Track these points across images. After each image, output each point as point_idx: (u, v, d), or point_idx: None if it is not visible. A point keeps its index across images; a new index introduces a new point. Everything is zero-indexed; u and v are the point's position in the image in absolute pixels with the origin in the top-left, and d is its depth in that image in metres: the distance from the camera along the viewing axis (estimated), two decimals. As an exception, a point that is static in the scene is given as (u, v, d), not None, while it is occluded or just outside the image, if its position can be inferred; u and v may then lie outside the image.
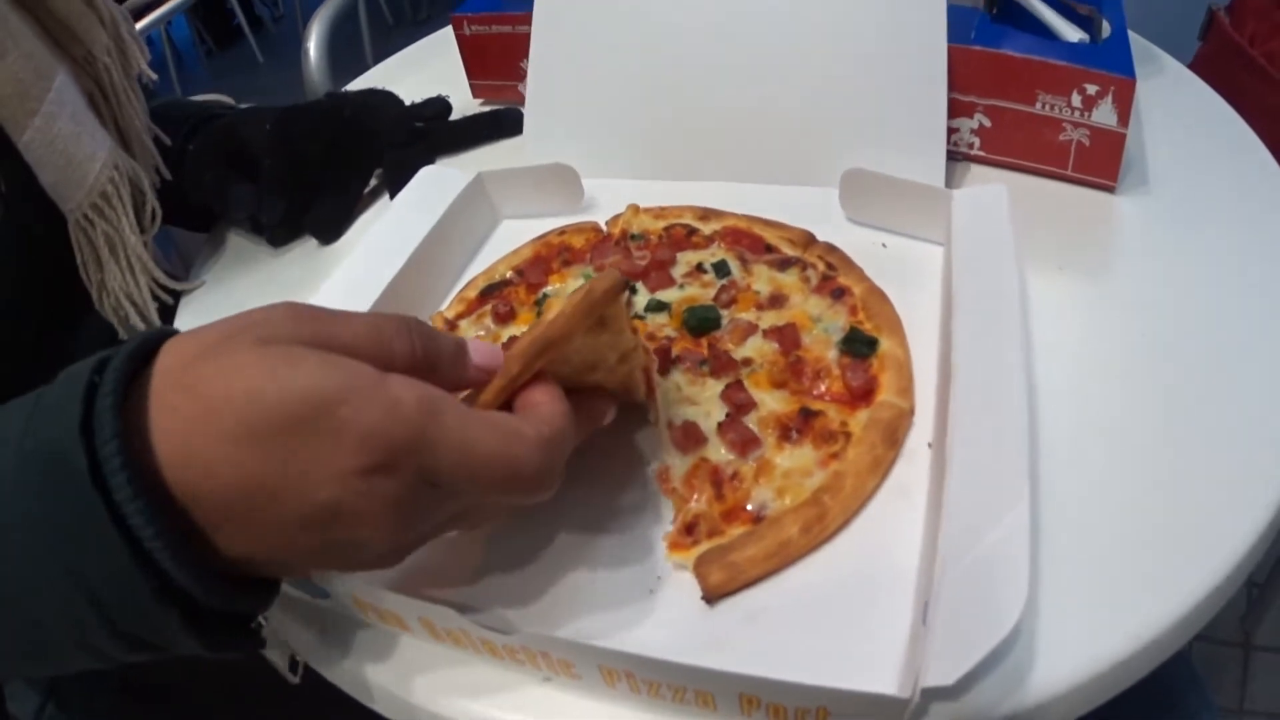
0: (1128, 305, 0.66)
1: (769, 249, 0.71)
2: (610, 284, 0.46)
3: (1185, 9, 1.34)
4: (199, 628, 0.41)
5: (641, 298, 0.68)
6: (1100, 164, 0.75)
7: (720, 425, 0.57)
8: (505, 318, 0.69)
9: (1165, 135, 0.81)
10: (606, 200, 0.82)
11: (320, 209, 0.87)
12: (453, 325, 0.70)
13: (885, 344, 0.62)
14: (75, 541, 0.38)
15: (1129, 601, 0.49)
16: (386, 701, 0.53)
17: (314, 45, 1.30)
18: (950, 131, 0.79)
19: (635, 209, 0.77)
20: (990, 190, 0.69)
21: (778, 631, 0.49)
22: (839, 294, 0.65)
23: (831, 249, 0.70)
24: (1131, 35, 0.78)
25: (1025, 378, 0.55)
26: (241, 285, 0.85)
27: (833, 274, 0.67)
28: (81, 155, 0.70)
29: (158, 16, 2.02)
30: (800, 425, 0.57)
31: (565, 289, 0.70)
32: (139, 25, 1.90)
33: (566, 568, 0.54)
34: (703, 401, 0.59)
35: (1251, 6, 1.26)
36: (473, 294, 0.73)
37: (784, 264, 0.69)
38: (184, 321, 0.82)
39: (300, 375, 0.39)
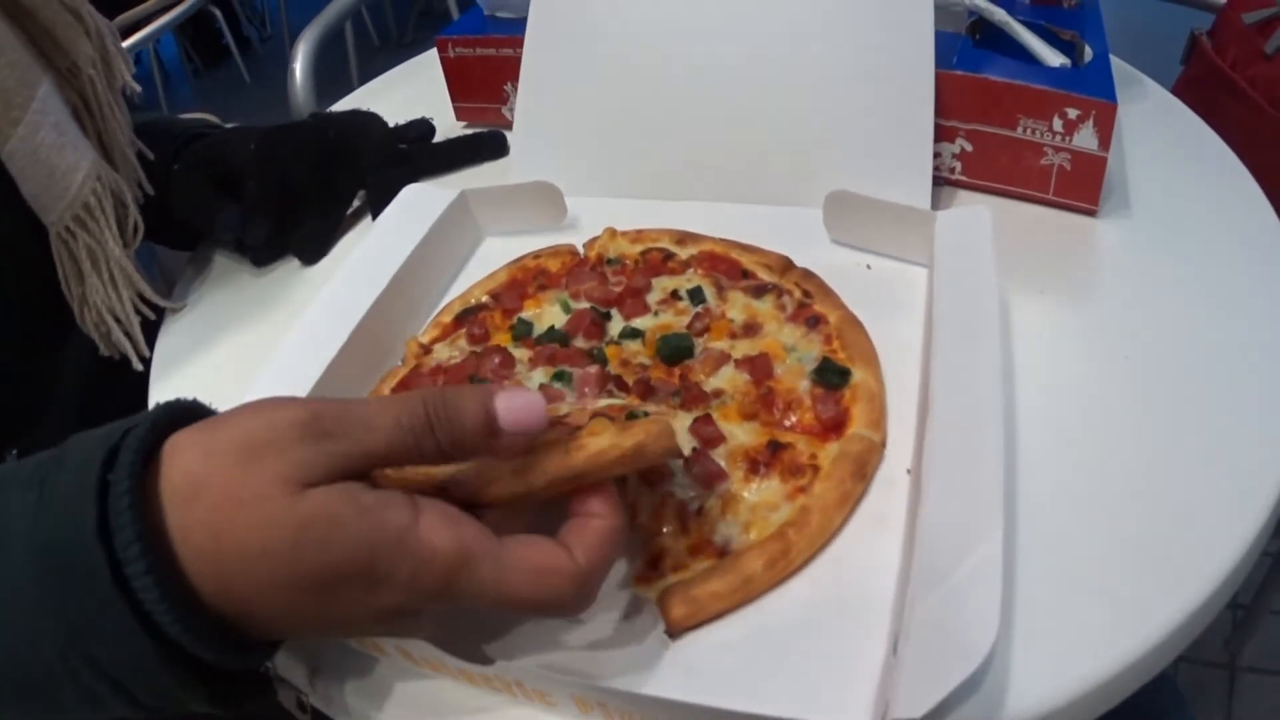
0: (1109, 328, 0.66)
1: (745, 274, 0.70)
2: (664, 448, 0.45)
3: (1168, 34, 1.35)
4: (219, 693, 0.41)
5: (616, 325, 0.68)
6: (1081, 188, 0.75)
7: (686, 460, 0.56)
8: (480, 339, 0.68)
9: (1147, 159, 0.82)
10: (589, 219, 0.82)
11: (304, 229, 0.87)
12: (427, 350, 0.69)
13: (858, 375, 0.61)
14: (97, 634, 0.38)
15: (1110, 624, 0.48)
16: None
17: (299, 66, 1.30)
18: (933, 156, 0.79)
19: (612, 232, 0.77)
20: (973, 211, 0.69)
21: (750, 662, 0.49)
22: (814, 322, 0.65)
23: (808, 275, 0.70)
24: (1114, 60, 0.79)
25: (1002, 406, 0.54)
26: (226, 305, 0.84)
27: (809, 301, 0.67)
28: (64, 166, 0.70)
29: (146, 34, 2.02)
30: (768, 459, 0.56)
31: (542, 314, 0.69)
32: (127, 43, 1.90)
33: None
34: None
35: (1234, 31, 1.27)
36: (448, 319, 0.72)
37: (760, 290, 0.68)
38: (168, 343, 0.81)
39: (337, 538, 0.39)
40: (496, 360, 0.64)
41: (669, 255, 0.73)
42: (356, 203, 0.91)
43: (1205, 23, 1.33)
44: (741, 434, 0.58)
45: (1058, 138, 0.74)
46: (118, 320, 0.76)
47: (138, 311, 0.77)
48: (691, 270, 0.71)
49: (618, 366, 0.63)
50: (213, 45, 4.41)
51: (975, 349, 0.58)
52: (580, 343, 0.66)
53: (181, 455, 0.40)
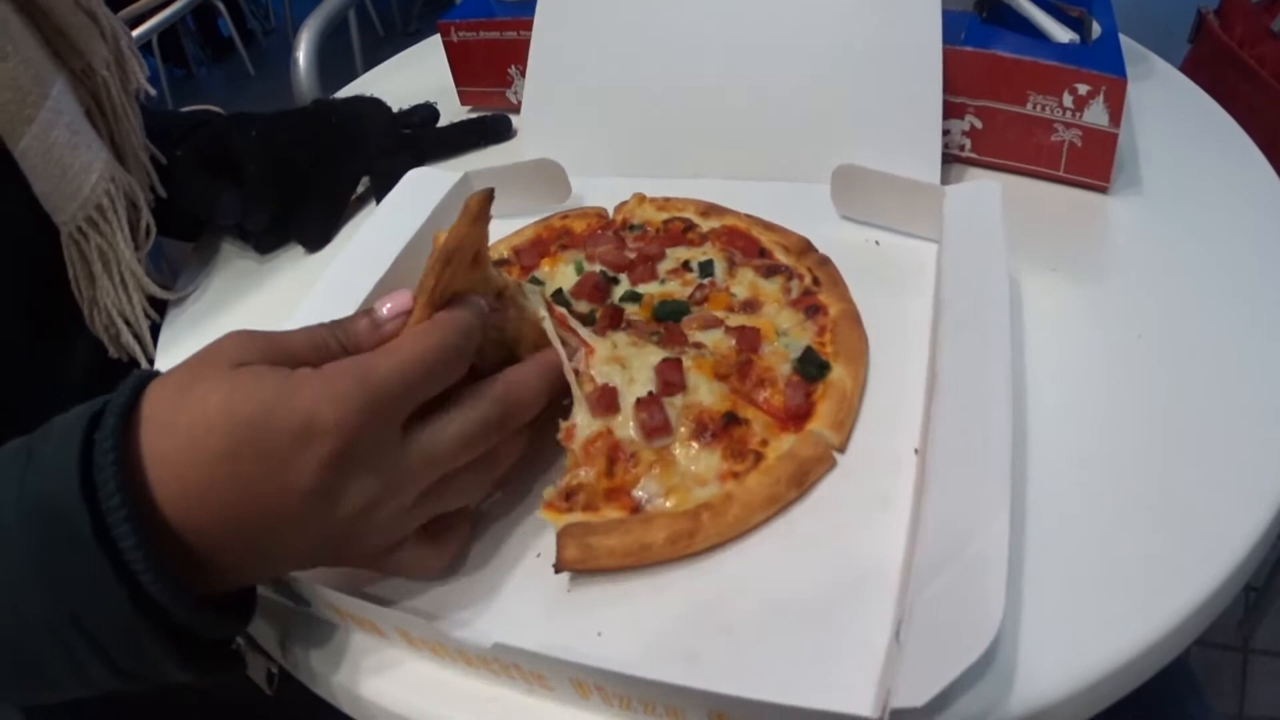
0: (1121, 306, 0.66)
1: (762, 253, 0.70)
2: (483, 194, 0.51)
3: (1174, 12, 1.35)
4: (193, 659, 0.44)
5: (621, 288, 0.67)
6: (1092, 164, 0.74)
7: (639, 400, 0.55)
8: None
9: (1157, 136, 0.81)
10: (593, 198, 0.81)
11: (307, 216, 0.86)
12: None
13: (837, 372, 0.60)
14: (78, 591, 0.41)
15: (1124, 610, 0.48)
16: (354, 703, 0.52)
17: (303, 55, 1.29)
18: (942, 133, 0.78)
19: (640, 198, 0.77)
20: (983, 185, 0.68)
21: (753, 646, 0.48)
22: (813, 311, 0.64)
23: (824, 262, 0.69)
24: (1121, 38, 0.78)
25: (1010, 387, 0.54)
26: (229, 293, 0.84)
27: (815, 290, 0.66)
28: (78, 166, 0.70)
29: (150, 27, 2.02)
30: (718, 428, 0.55)
31: (555, 274, 0.69)
32: (134, 33, 1.90)
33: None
34: (634, 367, 0.57)
35: (1240, 9, 1.26)
36: None
37: (770, 270, 0.67)
38: (172, 332, 0.81)
39: (264, 385, 0.44)
40: None
41: (690, 226, 0.73)
42: (360, 189, 0.90)
43: (1212, 1, 1.32)
44: (706, 391, 0.57)
45: (1068, 114, 0.73)
46: (127, 323, 0.76)
47: (147, 315, 0.77)
48: (709, 244, 0.71)
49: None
50: (217, 38, 4.41)
51: (984, 327, 0.58)
52: (581, 307, 0.65)
53: (153, 390, 0.44)
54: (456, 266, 0.50)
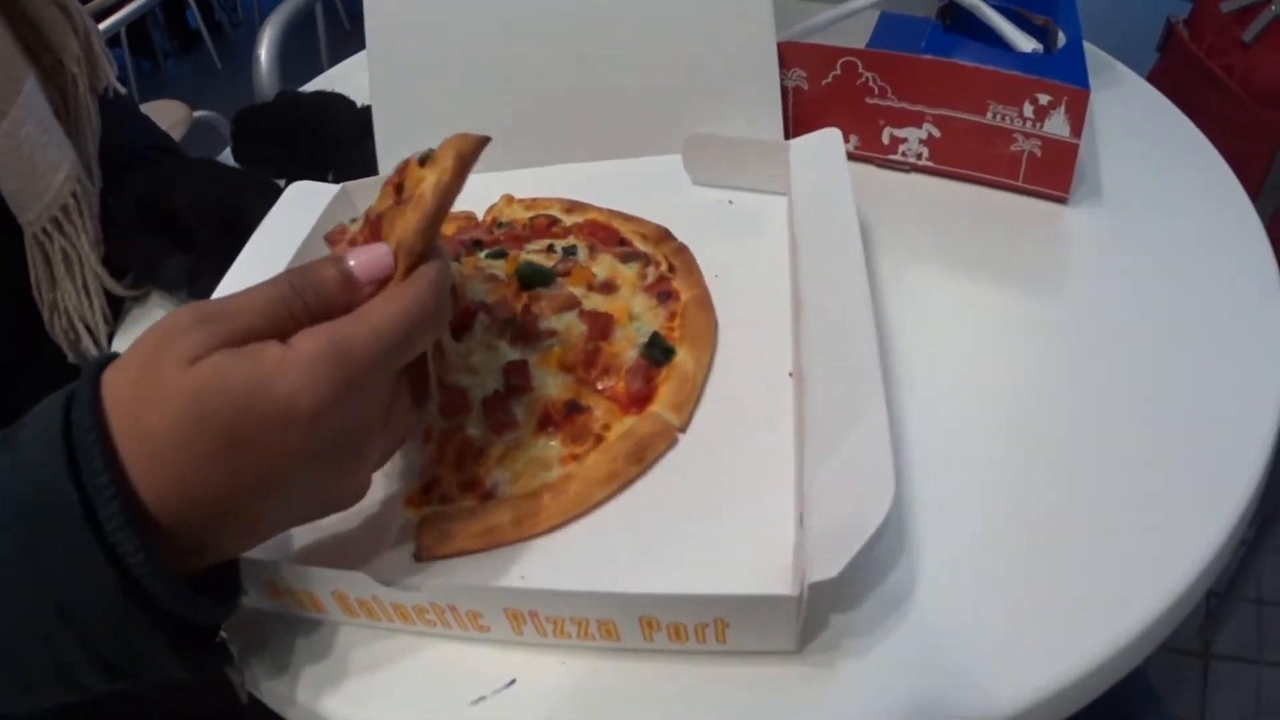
0: (1080, 318, 0.65)
1: (622, 242, 0.72)
2: (476, 144, 0.49)
3: (1143, 21, 1.35)
4: (180, 648, 0.44)
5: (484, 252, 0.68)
6: (1052, 175, 0.74)
7: (486, 401, 0.58)
8: None
9: (1120, 147, 0.81)
10: (460, 201, 0.79)
11: None
12: None
13: (681, 356, 0.62)
14: (64, 577, 0.40)
15: (1084, 620, 0.48)
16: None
17: (265, 50, 1.28)
18: (898, 141, 0.78)
19: (509, 199, 0.78)
20: (823, 135, 0.73)
21: (667, 558, 0.52)
22: (665, 297, 0.66)
23: (681, 250, 0.71)
24: (1088, 47, 0.78)
25: (868, 297, 0.58)
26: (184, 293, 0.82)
27: (669, 276, 0.68)
28: (46, 165, 0.69)
29: (118, 19, 2.00)
30: (561, 418, 0.58)
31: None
32: (103, 25, 1.89)
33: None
34: (484, 372, 0.59)
35: (1211, 19, 1.27)
36: None
37: (629, 257, 0.69)
38: (125, 328, 0.80)
39: (230, 380, 0.41)
40: None
41: (555, 221, 0.75)
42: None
43: (1182, 10, 1.33)
44: (551, 385, 0.59)
45: (1028, 124, 0.72)
46: (88, 329, 0.75)
47: (106, 321, 0.76)
48: (572, 236, 0.72)
49: (469, 270, 0.64)
50: (184, 30, 4.37)
51: (839, 253, 0.62)
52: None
53: (110, 380, 0.42)
54: (442, 220, 0.48)
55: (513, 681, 0.49)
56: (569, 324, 0.62)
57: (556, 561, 0.52)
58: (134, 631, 0.42)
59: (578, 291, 0.64)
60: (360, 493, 0.50)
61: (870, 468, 0.48)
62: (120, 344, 0.78)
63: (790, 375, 0.60)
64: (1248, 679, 1.52)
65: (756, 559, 0.50)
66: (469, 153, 0.49)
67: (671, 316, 0.64)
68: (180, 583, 0.42)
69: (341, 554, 0.54)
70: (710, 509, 0.54)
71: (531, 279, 0.64)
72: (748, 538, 0.52)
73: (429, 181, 0.48)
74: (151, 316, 0.80)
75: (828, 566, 0.44)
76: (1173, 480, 0.54)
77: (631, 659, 0.49)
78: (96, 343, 0.75)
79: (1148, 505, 0.53)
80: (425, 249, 0.48)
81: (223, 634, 0.49)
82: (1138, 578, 0.49)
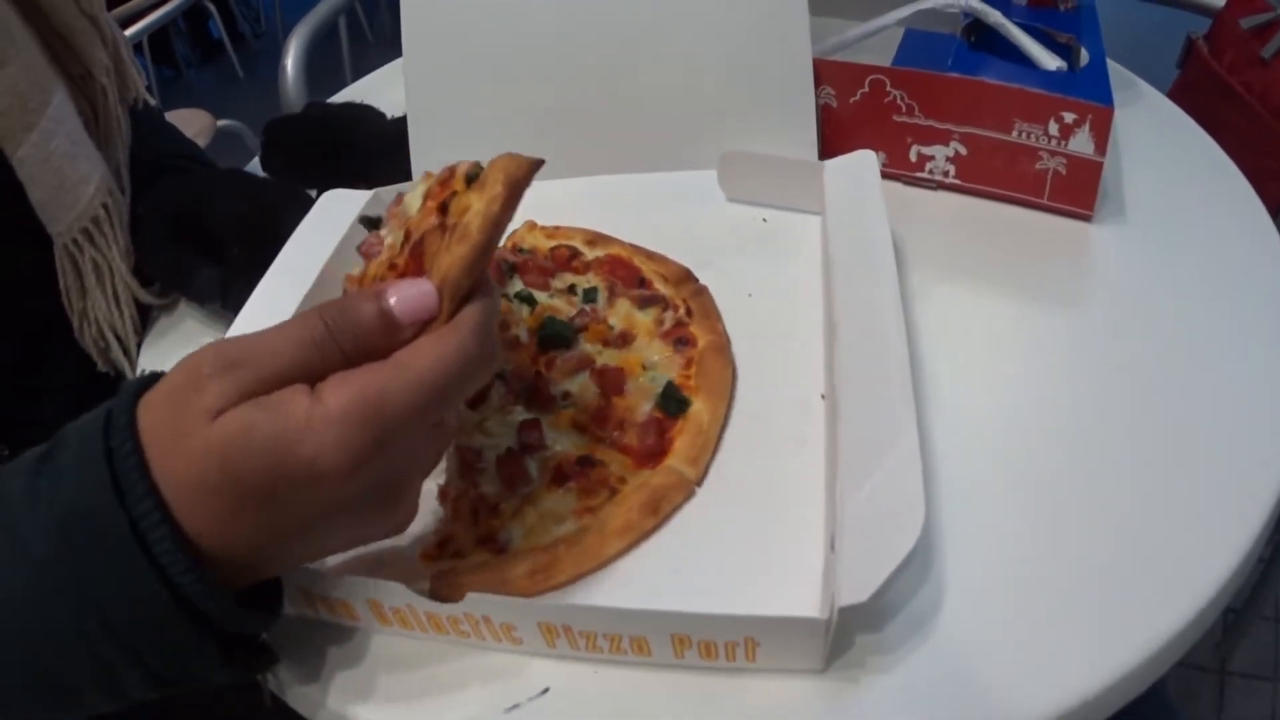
0: (1103, 335, 0.66)
1: (642, 282, 0.71)
2: (529, 166, 0.45)
3: (1164, 38, 1.35)
4: (230, 658, 0.44)
5: (515, 284, 0.68)
6: (1077, 193, 0.74)
7: (500, 459, 0.58)
8: None
9: (1143, 164, 0.81)
10: None
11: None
12: None
13: (696, 406, 0.61)
14: (112, 595, 0.40)
15: (1104, 635, 0.48)
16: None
17: (291, 61, 1.29)
18: (925, 159, 0.79)
19: (531, 224, 0.77)
20: (858, 156, 0.73)
21: (700, 580, 0.52)
22: (681, 343, 0.65)
23: (700, 292, 0.70)
24: (1110, 64, 0.78)
25: (901, 320, 0.58)
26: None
27: (686, 321, 0.67)
28: (76, 176, 0.69)
29: (141, 28, 2.01)
30: (575, 472, 0.57)
31: None
32: (126, 33, 1.89)
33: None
34: (498, 434, 0.59)
35: (1231, 35, 1.27)
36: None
37: (647, 301, 0.68)
38: (156, 339, 0.80)
39: (254, 440, 0.40)
40: None
41: (576, 254, 0.74)
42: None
43: (1202, 27, 1.32)
44: (565, 442, 0.59)
45: (1053, 142, 0.73)
46: (117, 338, 0.75)
47: (135, 330, 0.77)
48: (592, 272, 0.72)
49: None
50: (207, 40, 4.39)
51: (873, 275, 0.63)
52: None
53: (143, 418, 0.41)
54: (491, 254, 0.44)
55: (546, 690, 0.49)
56: (582, 385, 0.62)
57: (591, 579, 0.53)
58: (187, 646, 0.42)
59: (592, 349, 0.64)
60: (408, 519, 0.49)
61: (902, 494, 0.48)
62: (148, 353, 0.79)
63: (822, 397, 0.61)
64: (1263, 696, 1.51)
65: (790, 585, 0.51)
66: (521, 178, 0.45)
67: (688, 364, 0.64)
68: (230, 599, 0.43)
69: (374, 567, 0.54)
70: (741, 529, 0.54)
71: (552, 341, 0.64)
72: (779, 558, 0.52)
73: (476, 210, 0.44)
74: (180, 326, 0.81)
75: (858, 591, 0.44)
76: (1191, 498, 0.54)
77: (663, 670, 0.49)
78: (126, 352, 0.76)
79: (1168, 523, 0.53)
80: (472, 286, 0.44)
81: (263, 636, 0.50)
82: (1158, 595, 0.50)
